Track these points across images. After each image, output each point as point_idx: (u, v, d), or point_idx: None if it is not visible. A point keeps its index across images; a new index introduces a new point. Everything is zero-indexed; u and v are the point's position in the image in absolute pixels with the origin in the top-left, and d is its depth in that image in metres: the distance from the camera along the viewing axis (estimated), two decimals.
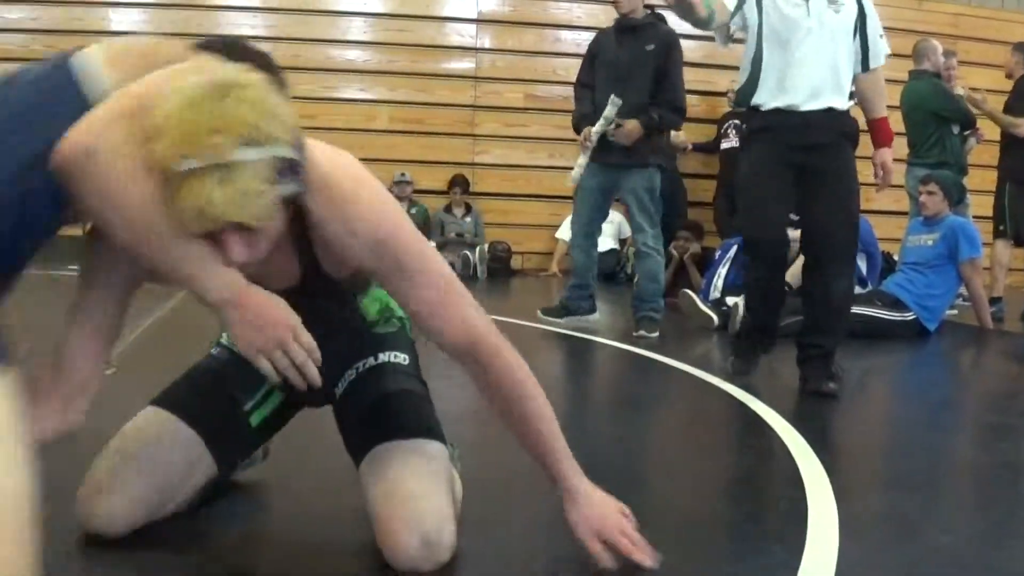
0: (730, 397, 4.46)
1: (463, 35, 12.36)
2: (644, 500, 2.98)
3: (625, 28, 6.83)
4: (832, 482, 3.05)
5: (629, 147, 6.64)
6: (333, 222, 2.05)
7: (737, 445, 3.92)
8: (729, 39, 4.81)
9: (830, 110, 4.54)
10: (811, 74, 4.51)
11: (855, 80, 4.68)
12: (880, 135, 4.76)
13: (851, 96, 4.63)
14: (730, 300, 7.20)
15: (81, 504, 2.21)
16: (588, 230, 7.09)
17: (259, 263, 1.95)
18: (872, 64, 4.64)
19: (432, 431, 2.35)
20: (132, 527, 2.23)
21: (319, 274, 2.21)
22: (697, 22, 4.63)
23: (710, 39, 4.93)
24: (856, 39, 4.58)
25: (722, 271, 8.02)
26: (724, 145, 11.61)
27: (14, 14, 11.44)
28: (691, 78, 12.56)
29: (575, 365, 5.96)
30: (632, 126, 6.56)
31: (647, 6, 6.87)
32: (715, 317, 7.13)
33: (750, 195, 4.78)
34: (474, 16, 12.35)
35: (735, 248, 8.10)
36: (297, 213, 2.02)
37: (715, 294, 7.80)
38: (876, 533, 2.68)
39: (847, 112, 4.62)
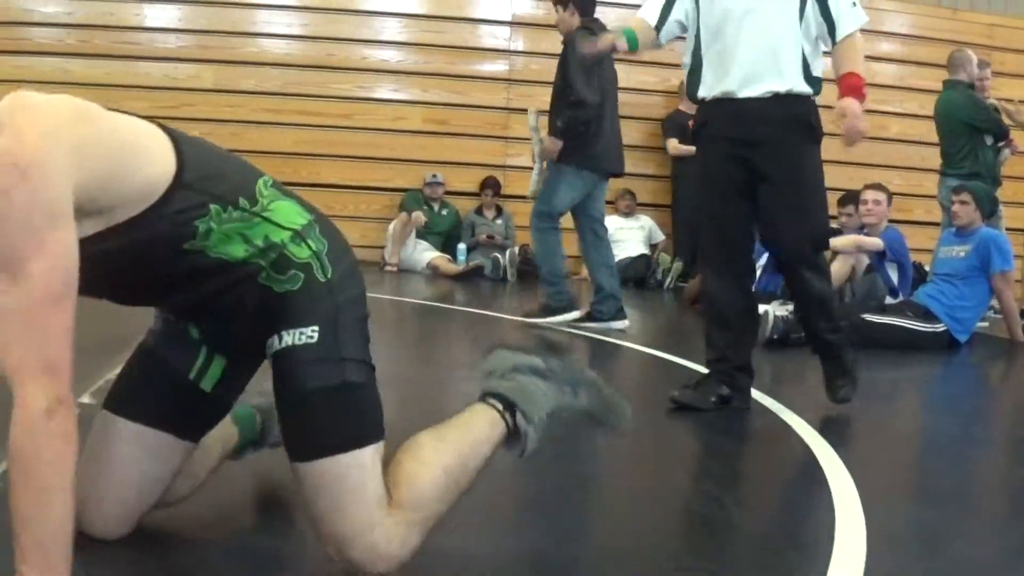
0: (757, 404, 4.45)
1: (497, 37, 12.36)
2: (668, 507, 2.99)
3: None
4: (860, 492, 3.04)
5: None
6: None
7: (764, 453, 3.92)
8: (663, 42, 4.59)
9: (773, 96, 4.21)
10: (746, 59, 4.23)
11: (831, 54, 4.35)
12: (843, 87, 4.25)
13: (813, 81, 4.27)
14: (760, 307, 7.18)
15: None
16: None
17: None
18: (838, 35, 4.24)
19: (351, 437, 2.08)
20: (131, 527, 2.24)
21: None
22: (635, 53, 4.57)
23: None
24: (811, 13, 4.22)
25: None
26: None
27: (49, 8, 11.51)
28: None
29: (601, 369, 5.96)
30: (547, 144, 7.14)
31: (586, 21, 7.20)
32: None
33: (702, 201, 4.54)
34: (508, 18, 12.35)
35: (767, 255, 8.10)
36: None
37: None
38: (904, 544, 2.68)
39: (797, 98, 4.25)
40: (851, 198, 8.56)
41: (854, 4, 4.26)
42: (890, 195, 8.02)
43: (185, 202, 2.00)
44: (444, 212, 11.66)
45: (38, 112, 1.82)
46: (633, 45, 4.49)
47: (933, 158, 9.64)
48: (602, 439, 3.14)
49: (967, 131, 8.84)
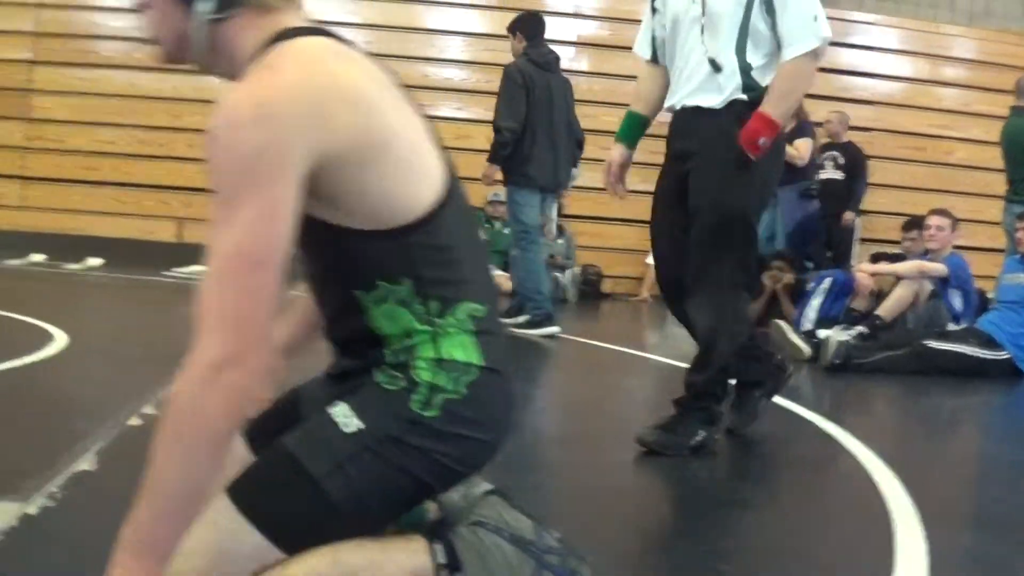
0: (818, 430, 4.45)
1: (562, 57, 12.36)
2: (730, 533, 2.99)
3: None
4: (922, 520, 3.05)
5: None
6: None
7: (823, 478, 3.91)
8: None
9: (697, 108, 3.87)
10: (686, 69, 3.91)
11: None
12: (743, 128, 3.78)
13: (752, 89, 3.79)
14: (822, 332, 7.19)
15: None
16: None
17: None
18: (785, 55, 3.75)
19: (262, 516, 1.71)
20: None
21: None
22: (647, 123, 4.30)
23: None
24: (758, 24, 3.77)
25: (815, 302, 8.03)
26: (821, 176, 11.46)
27: (118, 22, 11.72)
28: None
29: (662, 393, 5.96)
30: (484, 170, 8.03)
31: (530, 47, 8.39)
32: (806, 348, 7.10)
33: (651, 219, 4.19)
34: (573, 39, 12.39)
35: (829, 280, 8.11)
36: None
37: (807, 325, 7.79)
38: (965, 572, 2.67)
39: (727, 108, 3.81)
40: (915, 223, 8.53)
41: (815, 19, 3.73)
42: (955, 221, 7.97)
43: (393, 258, 1.78)
44: (506, 231, 11.69)
45: (313, 59, 1.70)
46: (627, 137, 4.28)
47: (997, 184, 9.58)
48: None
49: None
